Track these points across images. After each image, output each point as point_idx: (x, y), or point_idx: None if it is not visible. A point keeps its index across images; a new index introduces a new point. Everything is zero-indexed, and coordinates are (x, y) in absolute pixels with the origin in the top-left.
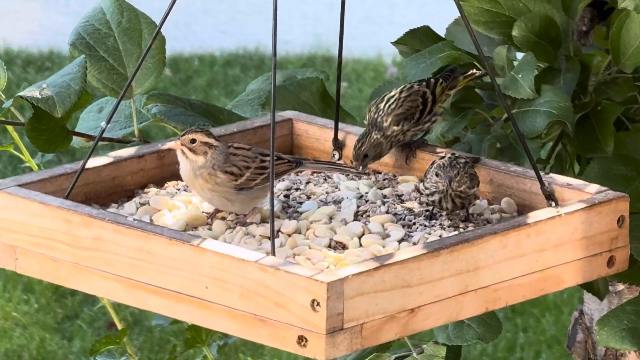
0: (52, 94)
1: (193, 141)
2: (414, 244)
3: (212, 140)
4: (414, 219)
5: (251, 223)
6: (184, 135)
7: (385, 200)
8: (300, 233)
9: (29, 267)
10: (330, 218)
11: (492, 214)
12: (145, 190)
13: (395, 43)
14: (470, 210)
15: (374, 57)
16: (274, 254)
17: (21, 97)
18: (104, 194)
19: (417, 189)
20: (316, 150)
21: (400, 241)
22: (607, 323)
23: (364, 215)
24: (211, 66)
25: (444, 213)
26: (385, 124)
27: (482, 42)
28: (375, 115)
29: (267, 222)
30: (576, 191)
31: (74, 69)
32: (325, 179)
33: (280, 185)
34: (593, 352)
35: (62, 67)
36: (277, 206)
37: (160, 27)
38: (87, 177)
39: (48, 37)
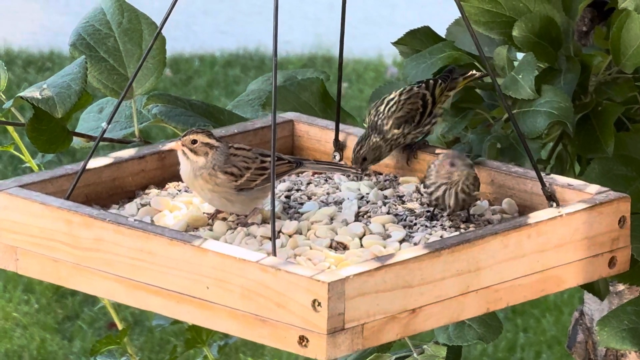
0: (53, 94)
1: (194, 142)
2: (415, 244)
3: (213, 141)
4: (415, 219)
5: (252, 224)
6: (184, 136)
7: (386, 201)
8: (301, 234)
9: (30, 267)
10: (331, 219)
11: (493, 214)
12: (146, 191)
13: (396, 43)
14: (471, 211)
15: (374, 57)
16: (275, 254)
17: (21, 97)
18: (105, 195)
19: (418, 190)
20: (317, 152)
21: (401, 242)
22: (608, 323)
23: (365, 216)
24: (211, 66)
25: (445, 214)
26: (385, 127)
27: (482, 43)
28: (375, 118)
29: (268, 223)
30: (577, 192)
31: (74, 69)
32: (326, 180)
33: (281, 186)
34: (593, 353)
35: (62, 68)
36: (278, 207)
37: (161, 28)
38: (88, 178)
39: (48, 37)
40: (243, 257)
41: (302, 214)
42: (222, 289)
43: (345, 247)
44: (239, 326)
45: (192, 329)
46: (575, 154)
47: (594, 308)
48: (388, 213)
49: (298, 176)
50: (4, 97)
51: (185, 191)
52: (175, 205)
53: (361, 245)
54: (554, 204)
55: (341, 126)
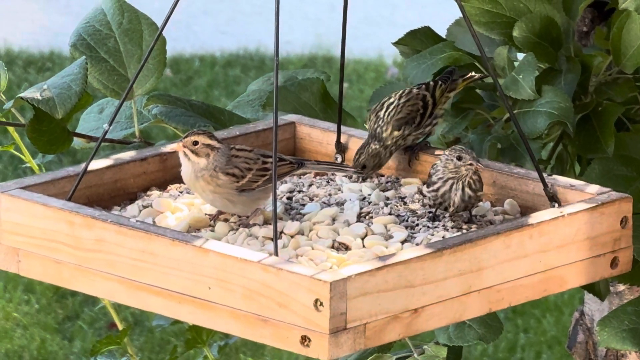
0: (53, 95)
1: (195, 143)
2: (417, 245)
3: (214, 142)
4: (417, 220)
5: (254, 224)
6: (186, 137)
7: (388, 202)
8: (303, 234)
9: (32, 269)
10: (333, 219)
11: (495, 215)
12: (148, 193)
13: (396, 44)
14: (474, 212)
15: (374, 57)
16: (277, 254)
17: (22, 98)
18: (107, 196)
19: (420, 192)
20: (319, 154)
21: (403, 242)
22: (608, 324)
23: (367, 217)
24: (212, 67)
25: (448, 214)
26: (385, 134)
27: (482, 43)
28: (375, 126)
29: (270, 224)
30: (579, 192)
31: (74, 70)
32: (328, 182)
33: (282, 188)
34: (594, 353)
35: (62, 68)
36: (280, 208)
37: (162, 30)
38: (90, 180)
39: (49, 37)
40: (245, 257)
41: (304, 215)
42: (223, 289)
43: (347, 248)
44: (241, 326)
45: (192, 329)
46: (576, 154)
47: (595, 308)
48: (390, 214)
49: (300, 178)
50: (4, 97)
51: (187, 193)
52: (177, 206)
53: (363, 246)
54: (556, 205)
55: (343, 128)
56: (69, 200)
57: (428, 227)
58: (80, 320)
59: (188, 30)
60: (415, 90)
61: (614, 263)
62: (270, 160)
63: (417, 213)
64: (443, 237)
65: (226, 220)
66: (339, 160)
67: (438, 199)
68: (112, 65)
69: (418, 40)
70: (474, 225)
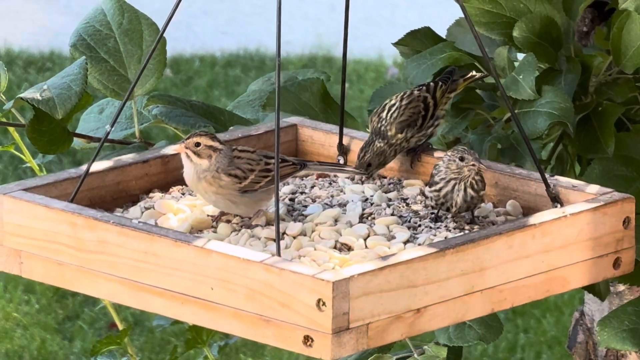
0: (53, 95)
1: (197, 144)
2: (420, 245)
3: (216, 144)
4: (420, 221)
5: (256, 225)
6: (188, 138)
7: (390, 203)
8: (305, 235)
9: (34, 271)
10: (336, 220)
11: (497, 216)
12: (150, 195)
13: (396, 44)
14: (476, 213)
15: (375, 57)
16: (279, 255)
17: (22, 98)
18: (109, 198)
19: (422, 193)
20: (321, 156)
21: (405, 243)
22: (608, 324)
23: (369, 218)
24: (212, 67)
25: (450, 215)
26: (389, 133)
27: (483, 43)
28: (379, 125)
29: (273, 225)
30: (581, 193)
31: (74, 70)
32: (330, 183)
33: (285, 189)
34: (594, 353)
35: (62, 68)
36: (282, 209)
37: (163, 31)
38: (92, 182)
39: (49, 38)
40: (247, 258)
41: (306, 216)
42: (226, 289)
43: (349, 248)
44: (244, 327)
45: (192, 329)
46: (576, 155)
47: (595, 308)
48: (392, 215)
49: (302, 179)
50: (4, 97)
51: (189, 194)
52: (179, 208)
53: (365, 247)
54: (558, 205)
55: (345, 130)
56: (71, 202)
57: (430, 227)
58: (81, 320)
59: (188, 30)
60: (416, 92)
61: (616, 263)
62: (272, 161)
63: (419, 214)
64: (445, 237)
65: (228, 221)
66: (341, 162)
67: (440, 200)
68: (112, 65)
69: (418, 41)
70: (476, 226)
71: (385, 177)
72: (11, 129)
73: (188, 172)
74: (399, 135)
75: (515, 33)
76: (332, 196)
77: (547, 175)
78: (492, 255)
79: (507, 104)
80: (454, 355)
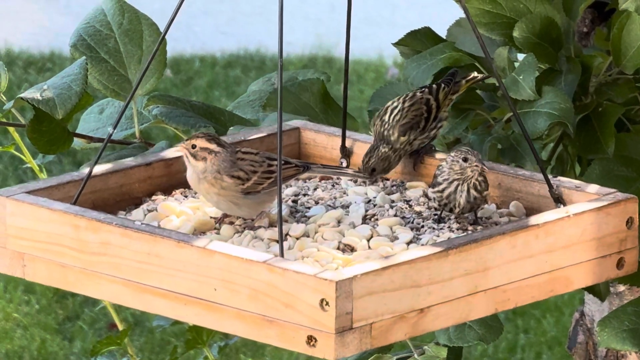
0: (53, 95)
1: (193, 147)
2: (423, 245)
3: (212, 146)
4: (423, 222)
5: (259, 227)
6: (188, 139)
7: (393, 204)
8: (308, 236)
9: (37, 273)
10: (339, 222)
11: (500, 217)
12: (153, 197)
13: (396, 44)
14: (479, 214)
15: (375, 58)
16: (282, 256)
17: (22, 98)
18: (112, 201)
19: (425, 195)
20: (324, 159)
21: (408, 243)
22: (608, 324)
23: (372, 219)
24: (212, 67)
25: (453, 216)
26: (393, 137)
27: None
28: (382, 129)
29: (275, 226)
30: (584, 193)
31: (75, 70)
32: (333, 185)
33: (288, 191)
34: (594, 353)
35: (63, 69)
36: (285, 211)
37: (165, 33)
38: (95, 185)
39: (49, 38)
40: (250, 258)
41: (309, 217)
42: (229, 290)
43: (352, 249)
44: (247, 327)
45: (192, 329)
46: (576, 155)
47: (595, 309)
48: (395, 216)
49: (305, 182)
50: (4, 98)
51: (192, 197)
52: (182, 210)
53: (369, 247)
54: (561, 206)
55: (348, 133)
56: (74, 205)
57: (433, 228)
58: (81, 320)
59: (188, 30)
60: (418, 94)
61: (619, 264)
62: (275, 163)
63: (422, 215)
64: (448, 238)
65: (231, 223)
66: (344, 164)
67: (443, 200)
68: (113, 65)
69: (418, 41)
70: (479, 227)
71: (388, 179)
72: (11, 129)
73: (189, 173)
74: (402, 138)
75: (515, 33)
76: (335, 198)
77: (549, 176)
78: (496, 255)
79: (509, 104)
80: (454, 356)
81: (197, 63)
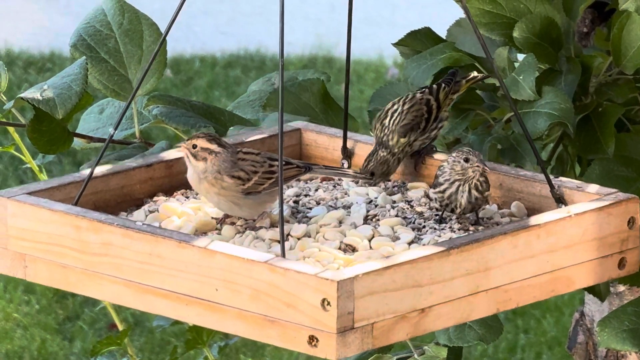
0: (53, 95)
1: (194, 147)
2: (424, 245)
3: (213, 146)
4: (424, 222)
5: (260, 227)
6: (189, 139)
7: (394, 205)
8: (310, 237)
9: (39, 274)
10: (340, 222)
11: (501, 217)
12: (154, 199)
13: (396, 44)
14: (480, 214)
15: (375, 58)
16: (283, 256)
17: (22, 98)
18: (113, 202)
19: (426, 195)
20: (325, 160)
21: (410, 243)
22: (608, 324)
23: (374, 219)
24: (212, 67)
25: (455, 216)
26: (392, 142)
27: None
28: (381, 134)
29: (277, 227)
30: (586, 193)
31: (75, 70)
32: (334, 186)
33: (289, 192)
34: (594, 354)
35: (63, 69)
36: (287, 211)
37: (166, 34)
38: (96, 186)
39: (49, 38)
40: (251, 258)
41: (310, 217)
42: (230, 290)
43: (354, 249)
44: (249, 327)
45: (192, 329)
46: (576, 155)
47: (595, 309)
48: (397, 216)
49: (306, 182)
50: (4, 98)
51: (194, 198)
52: (183, 211)
53: (370, 247)
54: (563, 206)
55: (349, 134)
56: (75, 206)
57: (435, 228)
58: (81, 320)
59: (188, 30)
60: (418, 95)
61: (621, 264)
62: (276, 163)
63: (423, 215)
64: (450, 238)
65: (233, 223)
66: (346, 165)
67: (445, 201)
68: (113, 65)
69: (418, 41)
70: (480, 227)
71: (389, 180)
72: (11, 129)
73: (189, 173)
74: (402, 140)
75: (515, 34)
76: (336, 198)
77: (551, 177)
78: (497, 255)
79: (510, 104)
80: (454, 356)
81: (197, 63)
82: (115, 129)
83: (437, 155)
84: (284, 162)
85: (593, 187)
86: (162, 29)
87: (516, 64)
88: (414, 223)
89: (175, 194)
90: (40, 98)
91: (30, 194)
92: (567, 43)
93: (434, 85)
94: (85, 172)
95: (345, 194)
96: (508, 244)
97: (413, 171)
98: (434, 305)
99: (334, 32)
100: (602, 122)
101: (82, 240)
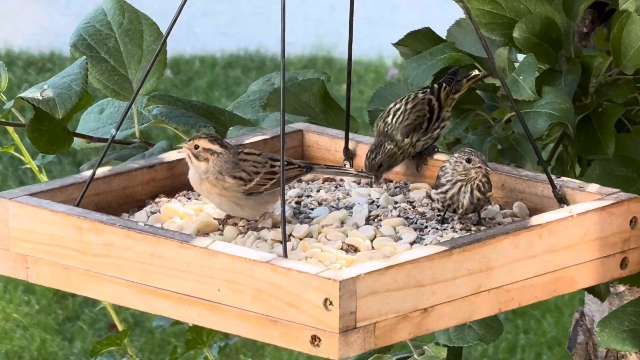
0: (53, 95)
1: (196, 147)
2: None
3: (215, 147)
4: (426, 222)
5: (262, 228)
6: (191, 140)
7: (396, 205)
8: (312, 237)
9: (41, 275)
10: (342, 222)
11: (504, 218)
12: (156, 200)
13: (396, 44)
14: (482, 215)
15: (375, 58)
16: (286, 256)
17: (22, 98)
18: (115, 204)
19: (428, 196)
20: (327, 161)
21: (412, 243)
22: (608, 324)
23: (376, 220)
24: (212, 67)
25: (457, 217)
26: (397, 137)
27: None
28: (385, 129)
29: (279, 227)
30: (588, 193)
31: (75, 70)
32: (336, 187)
33: (291, 193)
34: (594, 354)
35: (63, 69)
36: (289, 212)
37: (167, 35)
38: (98, 187)
39: (49, 38)
40: (253, 258)
41: (312, 218)
42: (233, 290)
43: (356, 250)
44: (251, 327)
45: (192, 329)
46: (576, 155)
47: (595, 309)
48: (399, 216)
49: (308, 183)
50: (4, 97)
51: (196, 199)
52: (185, 212)
53: (372, 247)
54: (565, 206)
55: (351, 135)
56: (77, 207)
57: (437, 229)
58: (81, 321)
59: (188, 31)
60: (420, 95)
61: (623, 264)
62: (278, 163)
63: (425, 216)
64: (452, 238)
65: (235, 224)
66: (347, 166)
67: (447, 201)
68: (113, 65)
69: (418, 41)
70: (482, 227)
71: (391, 181)
72: (11, 130)
73: (191, 173)
74: (406, 140)
75: (515, 34)
76: (338, 199)
77: (553, 177)
78: (499, 254)
79: (511, 104)
80: (454, 356)
81: (197, 63)
82: (117, 129)
83: (439, 156)
84: (285, 163)
85: (595, 187)
86: (162, 29)
87: (516, 64)
88: (416, 223)
89: (177, 195)
90: (40, 98)
91: (31, 195)
92: (567, 43)
93: (435, 85)
94: (87, 173)
95: (348, 194)
96: (510, 243)
97: (415, 172)
98: (436, 305)
99: (334, 33)
100: (602, 123)
101: (84, 241)
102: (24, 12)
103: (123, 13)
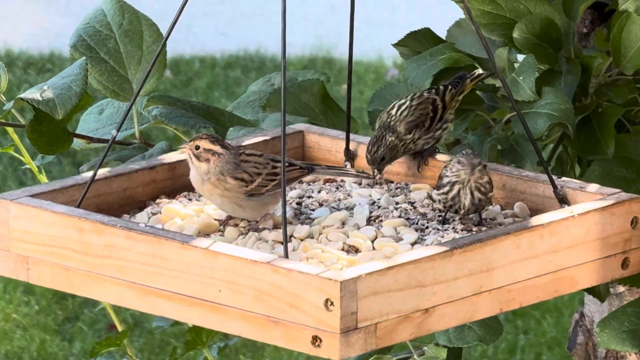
0: (53, 95)
1: (197, 148)
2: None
3: (216, 148)
4: (427, 223)
5: (263, 229)
6: (191, 140)
7: (397, 206)
8: (312, 238)
9: (42, 277)
10: (343, 223)
11: (505, 218)
12: (157, 201)
13: (396, 45)
14: (483, 215)
15: (375, 58)
16: (287, 257)
17: (22, 99)
18: (116, 205)
19: (429, 197)
20: (328, 162)
21: (413, 244)
22: (608, 325)
23: (377, 220)
24: (212, 68)
25: (458, 217)
26: (399, 129)
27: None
28: (388, 120)
29: (280, 228)
30: (588, 193)
31: (74, 70)
32: (337, 188)
33: (292, 193)
34: (594, 354)
35: (63, 69)
36: (290, 212)
37: (167, 37)
38: (99, 188)
39: (49, 39)
40: (254, 259)
41: (313, 219)
42: (234, 291)
43: (357, 250)
44: (252, 328)
45: (192, 330)
46: (576, 156)
47: (594, 310)
48: (400, 217)
49: (309, 184)
50: (4, 98)
51: (197, 200)
52: (186, 213)
53: (373, 248)
54: (566, 206)
55: (352, 135)
56: (78, 208)
57: (438, 229)
58: (80, 321)
59: (188, 31)
60: (426, 94)
61: (624, 264)
62: (279, 164)
63: (427, 216)
64: (453, 238)
65: (236, 225)
66: (348, 167)
67: (448, 202)
68: (112, 66)
69: (418, 42)
70: (483, 228)
71: (392, 182)
72: (11, 130)
73: (192, 174)
74: (407, 136)
75: (515, 34)
76: (339, 200)
77: (554, 177)
78: (500, 255)
79: (512, 104)
80: (454, 357)
81: (197, 64)
82: (118, 130)
83: (439, 157)
84: (286, 164)
85: (595, 187)
86: (162, 30)
87: (516, 65)
88: (417, 224)
89: (177, 196)
90: (40, 98)
91: (32, 196)
92: (567, 44)
93: (441, 87)
94: (87, 174)
95: (348, 195)
96: (511, 244)
97: (416, 172)
98: (438, 305)
99: (334, 33)
100: (602, 123)
101: (85, 242)
102: (24, 12)
103: (123, 14)
